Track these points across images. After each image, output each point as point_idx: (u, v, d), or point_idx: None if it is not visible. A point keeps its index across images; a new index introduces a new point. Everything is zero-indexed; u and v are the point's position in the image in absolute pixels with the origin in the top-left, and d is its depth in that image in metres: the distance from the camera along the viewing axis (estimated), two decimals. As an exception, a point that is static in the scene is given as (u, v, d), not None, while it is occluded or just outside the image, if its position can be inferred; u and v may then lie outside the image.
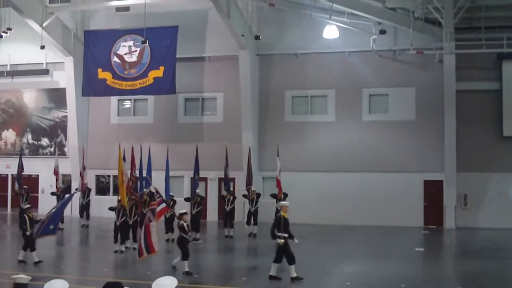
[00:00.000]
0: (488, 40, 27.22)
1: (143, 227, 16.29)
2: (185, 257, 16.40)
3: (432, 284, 15.71)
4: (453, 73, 27.30)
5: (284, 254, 15.53)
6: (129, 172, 23.98)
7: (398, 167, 28.87)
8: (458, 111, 27.63)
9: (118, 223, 20.62)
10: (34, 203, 32.36)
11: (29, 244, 17.99)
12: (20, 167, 28.89)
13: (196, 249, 21.89)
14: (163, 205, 16.72)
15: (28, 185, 29.23)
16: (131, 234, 21.16)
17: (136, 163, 25.22)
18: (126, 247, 20.78)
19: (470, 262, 19.41)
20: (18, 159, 29.43)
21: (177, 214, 17.85)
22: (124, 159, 24.81)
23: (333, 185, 29.28)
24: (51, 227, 17.30)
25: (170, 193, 24.91)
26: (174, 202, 24.18)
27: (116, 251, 20.25)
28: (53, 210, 17.59)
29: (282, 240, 15.46)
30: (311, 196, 29.22)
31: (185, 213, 17.03)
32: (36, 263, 17.69)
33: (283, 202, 16.61)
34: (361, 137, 29.48)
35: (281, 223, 15.69)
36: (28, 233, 18.05)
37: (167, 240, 23.13)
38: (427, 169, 28.60)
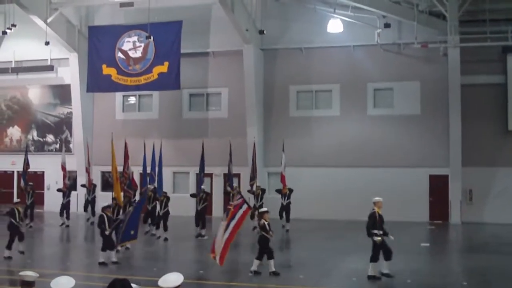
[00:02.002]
0: (492, 33, 27.12)
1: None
2: (259, 257, 16.01)
3: (437, 279, 15.70)
4: (458, 66, 27.20)
5: (382, 250, 15.17)
6: (121, 168, 23.98)
7: (403, 161, 28.82)
8: (463, 105, 27.54)
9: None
10: (40, 200, 32.53)
11: (108, 244, 17.57)
12: (26, 163, 28.97)
13: (202, 245, 21.94)
14: (245, 206, 15.65)
15: (33, 182, 29.30)
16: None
17: (140, 159, 25.19)
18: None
19: (475, 257, 19.39)
20: (23, 155, 29.51)
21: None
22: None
23: (338, 180, 29.24)
24: (132, 232, 17.12)
25: (164, 190, 24.66)
26: (168, 199, 23.90)
27: (117, 251, 19.98)
28: (130, 213, 17.40)
29: (380, 238, 15.09)
30: (316, 191, 29.21)
31: (267, 212, 16.45)
32: (114, 263, 17.25)
33: (377, 198, 15.96)
34: (366, 132, 29.43)
35: (377, 220, 15.30)
36: (107, 232, 17.57)
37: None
38: (432, 163, 28.54)
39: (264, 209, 16.64)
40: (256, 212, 25.27)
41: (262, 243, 16.11)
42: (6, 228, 18.87)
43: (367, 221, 15.52)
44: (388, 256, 15.18)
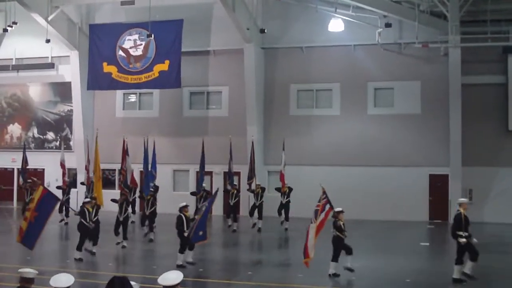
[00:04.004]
0: (493, 33, 27.10)
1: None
2: (334, 258, 15.75)
3: (437, 279, 15.73)
4: (459, 66, 27.18)
5: (467, 251, 14.99)
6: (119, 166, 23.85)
7: (403, 161, 28.81)
8: (464, 105, 27.53)
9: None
10: (40, 197, 32.50)
11: (185, 246, 16.95)
12: (24, 161, 28.98)
13: (201, 243, 21.93)
14: (328, 207, 15.36)
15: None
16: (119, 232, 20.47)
17: (140, 157, 25.12)
18: (120, 243, 20.29)
19: (475, 257, 19.37)
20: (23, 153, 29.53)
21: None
22: (127, 153, 24.83)
23: (337, 179, 29.17)
24: (201, 233, 16.67)
25: (151, 188, 24.48)
26: (154, 198, 23.54)
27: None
28: (202, 211, 17.06)
29: (464, 239, 14.94)
30: (316, 190, 28.89)
31: (342, 212, 16.10)
32: (189, 263, 16.73)
33: (462, 199, 15.92)
34: (366, 131, 29.42)
35: (462, 222, 15.16)
36: (186, 233, 16.81)
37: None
38: (432, 163, 28.54)
39: (339, 208, 16.11)
40: (256, 211, 25.43)
41: (336, 243, 15.79)
42: (77, 228, 18.42)
43: (452, 223, 15.49)
44: (474, 257, 14.96)
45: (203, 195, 24.47)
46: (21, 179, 28.72)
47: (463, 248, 14.98)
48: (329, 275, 15.52)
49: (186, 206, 17.61)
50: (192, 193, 25.61)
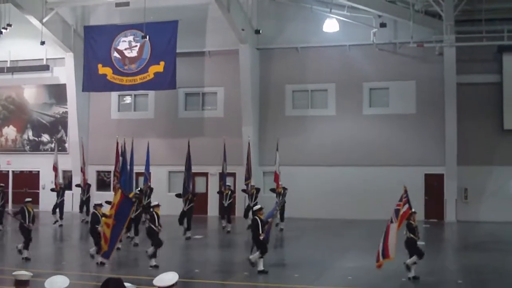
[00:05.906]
0: (488, 32, 27.20)
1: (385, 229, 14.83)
2: (419, 256, 15.41)
3: (433, 278, 15.72)
4: (454, 66, 27.26)
5: None
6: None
7: (398, 161, 28.84)
8: (459, 104, 27.61)
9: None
10: (35, 199, 32.45)
11: (266, 249, 16.32)
12: None
13: (197, 244, 21.94)
14: (406, 207, 15.16)
15: (29, 182, 29.33)
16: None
17: (135, 158, 25.05)
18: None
19: (471, 255, 19.43)
20: (18, 155, 29.51)
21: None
22: (122, 154, 24.70)
23: (333, 179, 29.27)
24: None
25: (137, 190, 24.28)
26: (140, 201, 23.31)
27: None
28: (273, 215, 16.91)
29: None
30: (312, 190, 29.24)
31: (415, 213, 15.85)
32: (261, 271, 16.04)
33: None
34: (361, 131, 29.45)
35: None
36: (261, 237, 16.17)
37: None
38: (427, 162, 28.58)
39: (413, 209, 15.79)
40: (251, 211, 25.29)
41: (409, 245, 15.56)
42: (147, 234, 17.85)
43: None
44: None
45: (189, 197, 23.89)
46: None
47: None
48: (409, 278, 15.22)
49: (261, 209, 16.96)
50: (178, 195, 24.83)
